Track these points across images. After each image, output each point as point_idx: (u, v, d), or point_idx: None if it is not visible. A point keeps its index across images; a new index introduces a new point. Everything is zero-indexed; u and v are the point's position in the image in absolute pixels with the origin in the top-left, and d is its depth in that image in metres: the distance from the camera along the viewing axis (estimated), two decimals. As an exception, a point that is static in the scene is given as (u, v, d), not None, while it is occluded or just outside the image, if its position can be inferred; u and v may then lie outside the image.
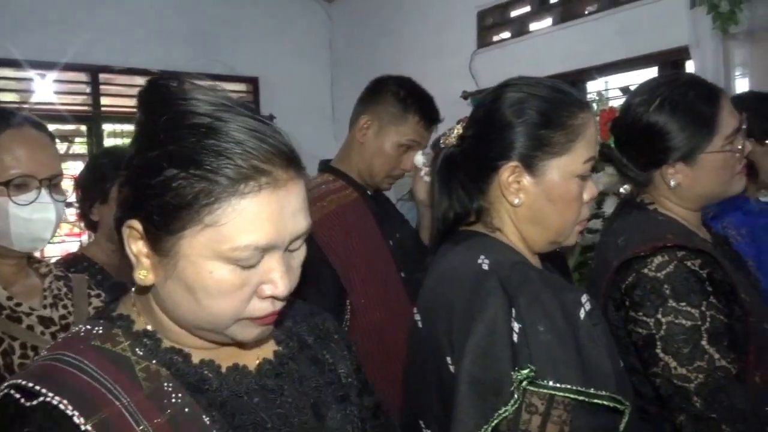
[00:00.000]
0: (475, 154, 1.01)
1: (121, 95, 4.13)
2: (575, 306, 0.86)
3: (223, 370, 0.74)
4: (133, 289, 0.75)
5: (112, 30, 3.91)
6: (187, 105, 0.66)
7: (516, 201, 0.97)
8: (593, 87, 3.38)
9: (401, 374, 1.14)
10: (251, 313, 0.69)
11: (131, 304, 0.75)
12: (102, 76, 4.04)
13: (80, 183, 1.88)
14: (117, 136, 4.29)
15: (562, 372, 0.81)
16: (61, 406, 0.62)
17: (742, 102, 1.90)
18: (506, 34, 3.72)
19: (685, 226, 1.27)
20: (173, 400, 0.68)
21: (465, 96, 3.68)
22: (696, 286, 1.13)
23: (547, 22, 3.49)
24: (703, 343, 1.10)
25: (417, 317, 1.02)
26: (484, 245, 0.97)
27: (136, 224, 0.67)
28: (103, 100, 4.10)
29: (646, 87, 1.28)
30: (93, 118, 4.09)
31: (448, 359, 0.89)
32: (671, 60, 2.94)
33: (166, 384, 0.68)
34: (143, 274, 0.68)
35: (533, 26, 3.59)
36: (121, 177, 0.70)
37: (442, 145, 1.06)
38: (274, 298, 0.69)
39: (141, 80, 0.72)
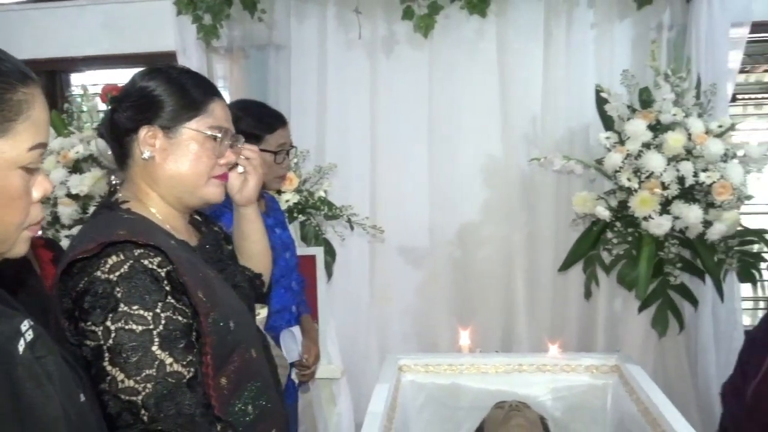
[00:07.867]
0: None
1: None
2: (12, 338, 0.67)
3: None
4: None
5: None
6: None
7: None
8: (79, 80, 3.11)
9: None
10: None
11: None
12: None
13: None
14: None
15: None
16: None
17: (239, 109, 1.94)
18: (-36, 1, 3.06)
19: (157, 225, 1.17)
20: None
21: None
22: (152, 287, 1.04)
23: (20, -4, 3.02)
24: (154, 348, 1.01)
25: None
26: None
27: None
28: None
29: (152, 65, 1.25)
30: None
31: None
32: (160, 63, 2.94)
33: None
34: None
35: (2, -1, 3.05)
36: None
37: None
38: None
39: None
